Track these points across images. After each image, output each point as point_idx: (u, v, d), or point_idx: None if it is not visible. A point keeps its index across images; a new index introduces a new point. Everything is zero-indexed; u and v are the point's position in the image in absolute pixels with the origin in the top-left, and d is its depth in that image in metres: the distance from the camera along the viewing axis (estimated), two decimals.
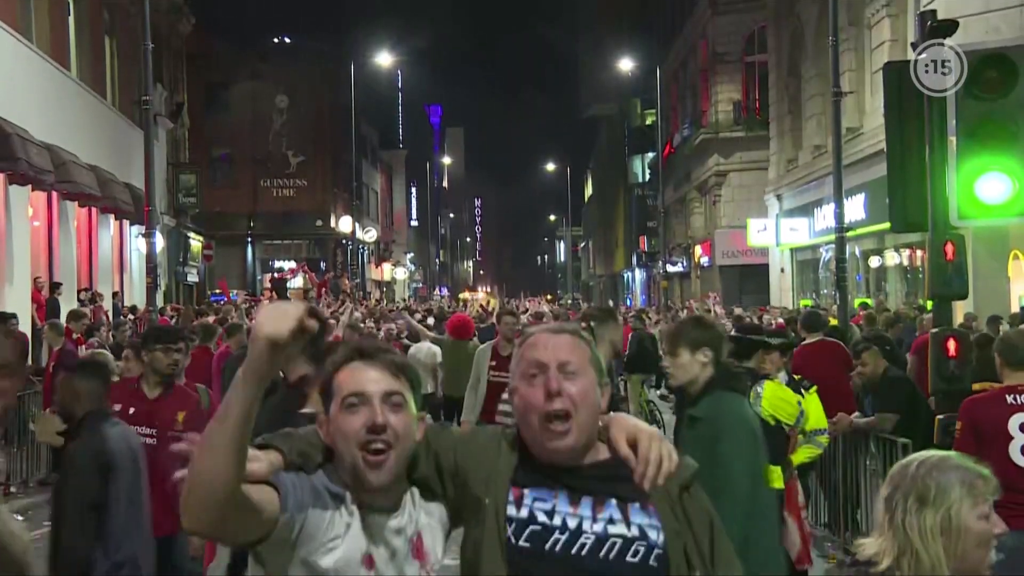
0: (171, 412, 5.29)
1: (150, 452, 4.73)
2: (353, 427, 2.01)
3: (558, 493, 2.07)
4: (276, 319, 1.81)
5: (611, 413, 2.22)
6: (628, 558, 2.02)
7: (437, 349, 11.24)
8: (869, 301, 19.46)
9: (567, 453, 2.07)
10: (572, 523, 2.04)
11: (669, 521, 2.06)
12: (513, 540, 2.03)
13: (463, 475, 2.11)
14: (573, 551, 2.01)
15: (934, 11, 7.29)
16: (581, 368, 2.11)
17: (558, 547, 2.02)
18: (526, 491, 2.07)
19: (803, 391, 6.23)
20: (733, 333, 8.10)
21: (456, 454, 2.14)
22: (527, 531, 2.03)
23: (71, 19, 21.37)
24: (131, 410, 5.17)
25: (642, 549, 2.03)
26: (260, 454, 1.97)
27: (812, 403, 6.27)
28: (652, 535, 2.04)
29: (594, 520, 2.04)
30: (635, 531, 2.04)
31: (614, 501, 2.07)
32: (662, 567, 2.02)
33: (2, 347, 2.99)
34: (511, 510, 2.05)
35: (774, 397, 5.93)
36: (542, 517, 2.04)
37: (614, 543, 2.03)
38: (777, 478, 5.59)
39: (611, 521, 2.04)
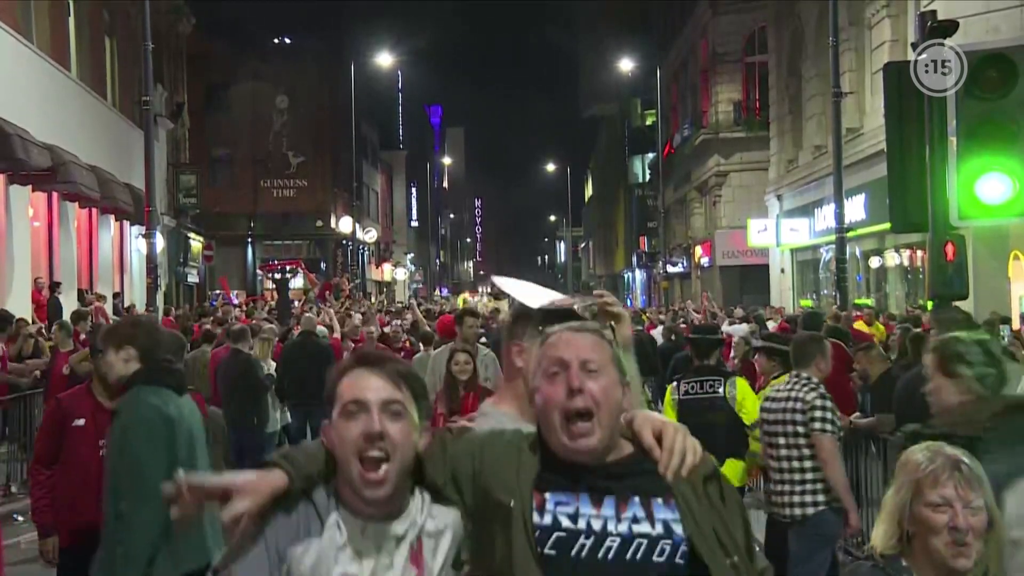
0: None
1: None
2: (351, 435, 2.00)
3: (580, 494, 2.04)
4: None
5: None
6: (655, 558, 2.00)
7: None
8: (869, 301, 19.45)
9: (590, 453, 2.05)
10: (596, 525, 2.01)
11: (693, 511, 2.04)
12: (539, 549, 2.00)
13: (484, 480, 2.08)
14: (599, 555, 1.99)
15: (934, 11, 7.29)
16: (603, 366, 2.09)
17: (584, 553, 1.99)
18: (547, 495, 2.05)
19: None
20: (691, 334, 8.31)
21: (476, 459, 2.11)
22: (552, 538, 2.01)
23: (71, 19, 21.37)
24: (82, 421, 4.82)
25: (668, 547, 2.01)
26: (257, 479, 2.00)
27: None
28: (677, 530, 2.02)
29: (618, 520, 2.02)
30: (660, 528, 2.02)
31: (637, 498, 2.05)
32: (689, 564, 2.01)
33: None
34: (535, 517, 2.03)
35: (746, 394, 6.20)
36: (566, 522, 2.02)
37: (640, 543, 2.01)
38: (734, 474, 5.65)
39: (635, 520, 2.02)
